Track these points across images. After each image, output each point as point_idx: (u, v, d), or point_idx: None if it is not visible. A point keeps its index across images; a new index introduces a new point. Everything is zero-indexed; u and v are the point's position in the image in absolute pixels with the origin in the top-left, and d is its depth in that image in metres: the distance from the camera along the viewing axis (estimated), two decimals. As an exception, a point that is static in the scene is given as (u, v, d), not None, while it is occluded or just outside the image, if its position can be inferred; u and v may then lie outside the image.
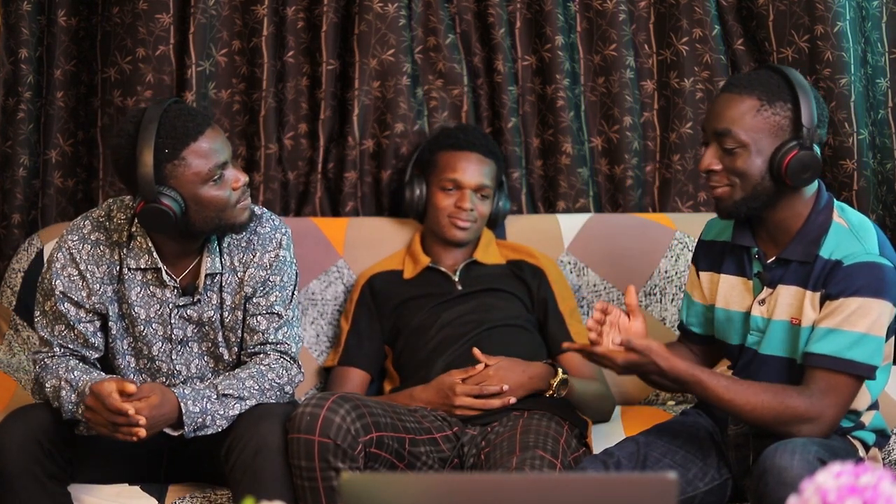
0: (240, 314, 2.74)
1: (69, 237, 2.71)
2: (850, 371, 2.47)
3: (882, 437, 2.66)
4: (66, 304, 2.68)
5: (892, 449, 2.79)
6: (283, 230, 2.78)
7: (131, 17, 3.39)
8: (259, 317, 2.74)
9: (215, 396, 2.61)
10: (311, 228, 3.39)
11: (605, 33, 3.48)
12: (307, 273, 3.29)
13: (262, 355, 2.73)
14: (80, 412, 2.58)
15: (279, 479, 2.57)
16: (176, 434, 2.60)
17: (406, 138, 3.47)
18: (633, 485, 1.61)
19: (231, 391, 2.63)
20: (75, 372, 2.63)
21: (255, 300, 2.73)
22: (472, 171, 3.18)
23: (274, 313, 2.74)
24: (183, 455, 2.76)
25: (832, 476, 1.52)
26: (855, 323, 2.46)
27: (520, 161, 3.50)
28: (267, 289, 2.73)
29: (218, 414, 2.61)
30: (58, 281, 2.68)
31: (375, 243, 3.35)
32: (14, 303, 3.25)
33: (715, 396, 2.47)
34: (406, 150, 3.47)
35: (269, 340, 2.74)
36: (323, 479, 2.56)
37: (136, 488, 2.73)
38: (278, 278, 2.74)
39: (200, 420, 2.59)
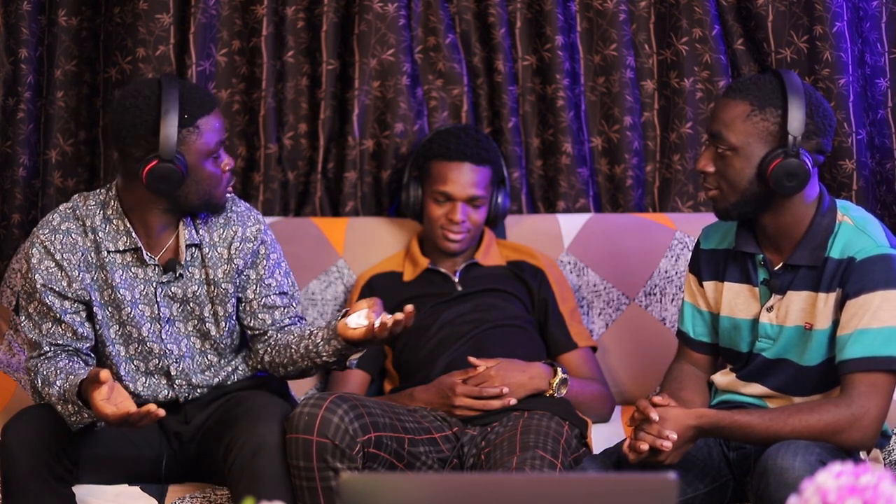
0: (230, 287, 2.74)
1: (40, 232, 2.71)
2: (888, 368, 2.45)
3: (883, 437, 2.65)
4: (50, 296, 2.68)
5: (893, 449, 2.78)
6: (257, 213, 2.83)
7: (131, 17, 3.39)
8: (273, 296, 2.77)
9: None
10: (311, 228, 3.39)
11: (605, 33, 3.48)
12: (307, 273, 3.29)
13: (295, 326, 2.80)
14: (86, 417, 2.58)
15: (278, 479, 2.57)
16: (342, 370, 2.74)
17: (406, 138, 3.47)
18: (633, 485, 1.61)
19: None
20: (58, 382, 2.60)
21: (266, 282, 2.76)
22: (463, 182, 3.14)
23: (284, 293, 2.78)
24: (183, 455, 2.76)
25: (832, 476, 1.52)
26: (883, 318, 2.45)
27: (520, 161, 3.50)
28: (270, 266, 2.77)
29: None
30: (37, 275, 2.68)
31: (375, 243, 3.35)
32: (14, 303, 3.25)
33: (753, 432, 2.44)
34: (406, 150, 3.47)
35: (291, 315, 2.79)
36: (321, 479, 2.56)
37: (136, 488, 2.73)
38: (274, 255, 2.79)
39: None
